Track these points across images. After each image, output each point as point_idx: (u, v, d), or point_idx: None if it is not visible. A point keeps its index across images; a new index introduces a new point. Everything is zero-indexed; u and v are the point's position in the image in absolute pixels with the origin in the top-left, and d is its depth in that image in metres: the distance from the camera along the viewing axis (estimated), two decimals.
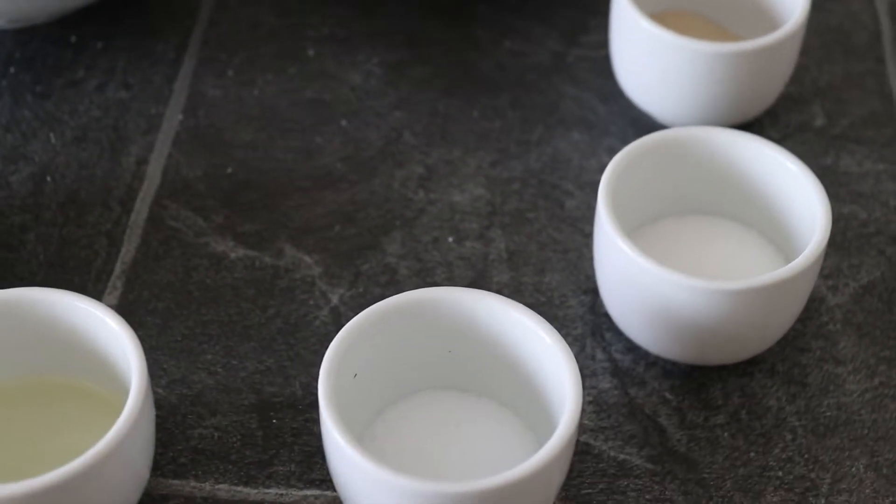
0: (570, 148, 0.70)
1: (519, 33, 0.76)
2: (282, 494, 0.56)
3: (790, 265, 0.56)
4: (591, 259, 0.64)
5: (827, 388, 0.60)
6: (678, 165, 0.61)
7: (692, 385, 0.60)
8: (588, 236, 0.66)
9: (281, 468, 0.57)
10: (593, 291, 0.63)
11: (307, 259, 0.65)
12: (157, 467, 0.56)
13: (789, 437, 0.58)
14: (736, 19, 0.71)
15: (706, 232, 0.63)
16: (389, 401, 0.56)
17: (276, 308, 0.63)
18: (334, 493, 0.56)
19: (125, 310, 0.62)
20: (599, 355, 0.61)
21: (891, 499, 0.56)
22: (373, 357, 0.54)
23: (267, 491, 0.56)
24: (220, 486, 0.56)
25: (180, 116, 0.71)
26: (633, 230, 0.62)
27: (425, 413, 0.56)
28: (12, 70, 0.72)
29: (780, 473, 0.57)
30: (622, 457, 0.58)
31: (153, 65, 0.73)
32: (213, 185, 0.68)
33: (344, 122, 0.71)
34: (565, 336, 0.61)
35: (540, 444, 0.54)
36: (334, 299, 0.63)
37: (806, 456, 0.58)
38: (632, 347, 0.61)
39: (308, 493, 0.56)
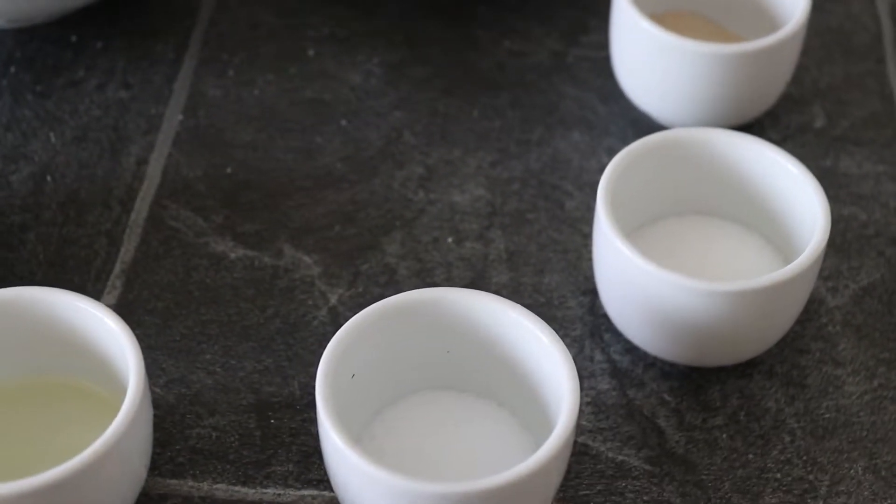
0: (569, 148, 0.70)
1: (519, 33, 0.75)
2: (279, 494, 0.56)
3: (789, 266, 0.56)
4: (590, 260, 0.64)
5: (826, 389, 0.60)
6: (678, 166, 0.61)
7: (691, 386, 0.60)
8: (587, 237, 0.66)
9: (279, 468, 0.57)
10: (592, 292, 0.63)
11: (307, 259, 0.65)
12: (155, 467, 0.56)
13: (788, 438, 0.58)
14: (736, 20, 0.71)
15: (706, 233, 0.62)
16: (387, 401, 0.56)
17: (275, 308, 0.63)
18: (332, 494, 0.56)
19: (124, 309, 0.62)
20: (598, 356, 0.61)
21: (889, 501, 0.56)
22: (371, 357, 0.54)
23: (265, 491, 0.56)
24: (218, 485, 0.56)
25: (180, 116, 0.71)
26: (633, 231, 0.62)
27: (423, 413, 0.56)
28: (12, 70, 0.72)
29: (779, 475, 0.57)
30: (620, 458, 0.58)
31: (153, 65, 0.74)
32: (213, 185, 0.68)
33: (344, 122, 0.71)
34: (564, 337, 0.61)
35: (538, 444, 0.54)
36: (333, 299, 0.63)
37: (804, 458, 0.58)
38: (630, 348, 0.61)
39: (306, 493, 0.56)
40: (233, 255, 0.65)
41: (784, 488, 0.57)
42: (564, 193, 0.68)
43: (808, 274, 0.57)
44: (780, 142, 0.69)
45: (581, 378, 0.52)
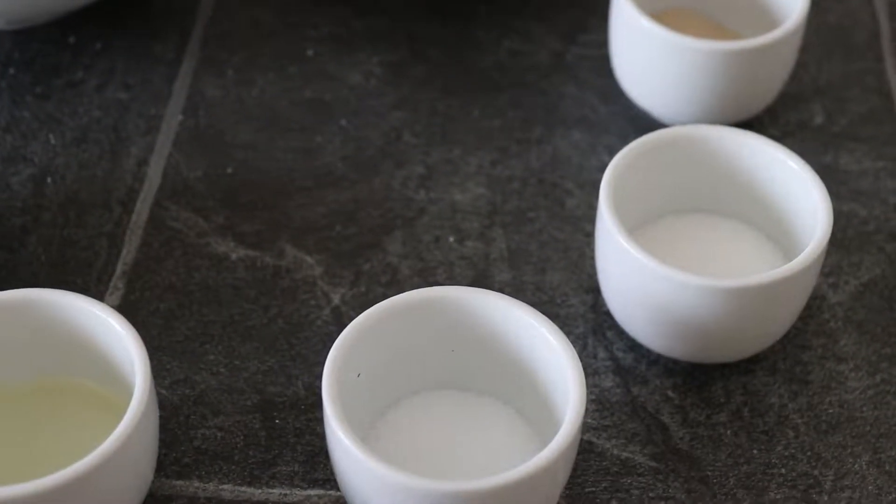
0: (569, 147, 0.70)
1: (519, 33, 0.76)
2: (285, 494, 0.56)
3: (792, 263, 0.56)
4: (592, 258, 0.64)
5: (829, 385, 0.60)
6: (679, 164, 0.61)
7: (694, 383, 0.60)
8: (589, 235, 0.66)
9: (284, 468, 0.57)
10: (595, 290, 0.63)
11: (308, 259, 0.65)
12: (161, 468, 0.56)
13: (792, 434, 0.58)
14: (735, 18, 0.71)
15: (707, 230, 0.63)
16: (392, 400, 0.56)
17: (277, 308, 0.63)
18: (338, 493, 0.56)
19: (127, 310, 0.62)
20: (601, 354, 0.61)
21: (893, 495, 0.56)
22: (376, 356, 0.54)
23: (271, 491, 0.56)
24: (224, 486, 0.56)
25: (180, 117, 0.71)
26: (635, 228, 0.62)
27: (428, 412, 0.56)
28: (11, 71, 0.72)
29: (784, 470, 0.57)
30: (625, 455, 0.58)
31: (153, 65, 0.73)
32: (214, 185, 0.68)
33: (344, 122, 0.71)
34: (567, 335, 0.61)
35: (543, 443, 0.54)
36: (336, 299, 0.63)
37: (809, 453, 0.58)
38: (634, 346, 0.61)
39: (312, 492, 0.56)
40: (234, 256, 0.65)
41: (789, 483, 0.57)
42: (565, 192, 0.68)
43: (810, 270, 0.57)
44: (780, 138, 0.70)
45: (585, 375, 0.52)
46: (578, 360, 0.52)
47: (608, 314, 0.62)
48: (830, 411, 0.59)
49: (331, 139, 0.70)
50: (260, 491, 0.56)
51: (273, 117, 0.71)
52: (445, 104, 0.72)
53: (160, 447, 0.56)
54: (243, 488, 0.56)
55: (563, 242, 0.66)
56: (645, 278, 0.57)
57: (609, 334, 0.62)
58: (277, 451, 0.57)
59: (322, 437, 0.58)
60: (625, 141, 0.69)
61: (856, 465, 0.57)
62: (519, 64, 0.74)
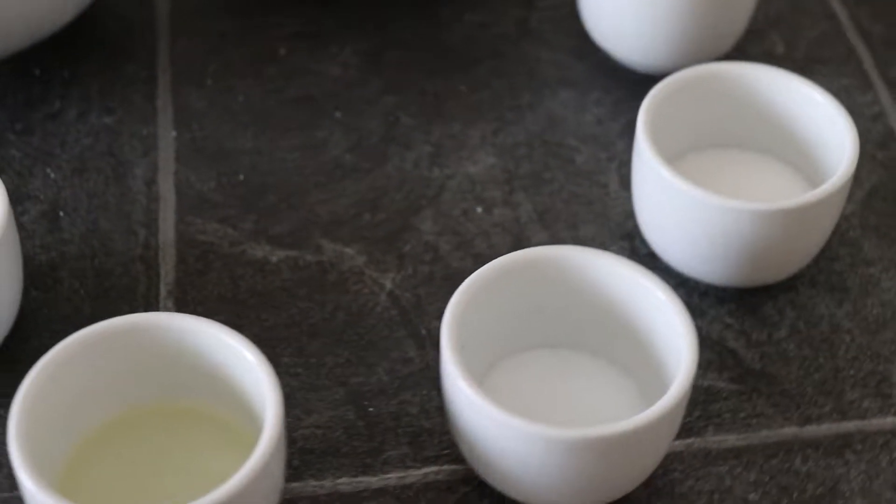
0: (561, 107, 0.72)
1: (480, 5, 0.77)
2: (402, 476, 0.57)
3: (825, 185, 0.59)
4: (616, 207, 0.67)
5: (866, 288, 0.64)
6: (711, 100, 0.64)
7: (747, 306, 0.63)
8: (605, 186, 0.68)
9: (393, 452, 0.58)
10: (629, 236, 0.66)
11: (348, 251, 0.65)
12: None
13: (848, 338, 0.62)
14: None
15: (738, 163, 0.66)
16: (500, 356, 0.57)
17: (333, 302, 0.63)
18: (452, 467, 0.57)
19: None
20: None
21: None
22: (488, 313, 0.55)
23: (387, 476, 0.57)
24: (340, 480, 0.57)
25: (174, 133, 0.70)
26: (669, 162, 0.64)
27: (534, 369, 0.57)
28: None
29: (852, 372, 0.61)
30: (707, 384, 0.60)
31: (128, 85, 0.72)
32: (230, 193, 0.67)
33: (338, 115, 0.71)
34: None
35: (644, 397, 0.56)
36: (388, 284, 0.64)
37: (868, 353, 0.62)
38: (681, 282, 0.64)
39: (427, 470, 0.57)
40: (274, 259, 0.65)
41: (861, 383, 0.60)
42: (571, 149, 0.70)
43: (841, 193, 0.60)
44: None
45: None
46: (689, 315, 0.53)
47: (649, 256, 0.65)
48: (875, 311, 0.63)
49: (331, 132, 0.71)
50: (376, 478, 0.57)
51: (267, 119, 0.71)
52: (431, 83, 0.73)
53: None
54: (359, 479, 0.57)
55: (584, 196, 0.68)
56: (687, 206, 0.59)
57: (655, 274, 0.64)
58: (381, 438, 0.58)
59: (419, 417, 0.59)
60: (609, 93, 0.72)
61: None
62: (487, 35, 0.76)
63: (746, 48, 0.75)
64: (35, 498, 0.48)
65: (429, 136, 0.70)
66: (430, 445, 0.58)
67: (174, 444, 0.53)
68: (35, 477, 0.47)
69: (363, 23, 0.76)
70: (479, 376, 0.56)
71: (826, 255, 0.65)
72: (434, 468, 0.57)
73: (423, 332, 0.62)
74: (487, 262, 0.62)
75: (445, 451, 0.58)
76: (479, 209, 0.67)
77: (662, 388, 0.54)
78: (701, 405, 0.60)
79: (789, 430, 0.59)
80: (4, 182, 0.67)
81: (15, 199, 0.66)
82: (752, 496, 0.57)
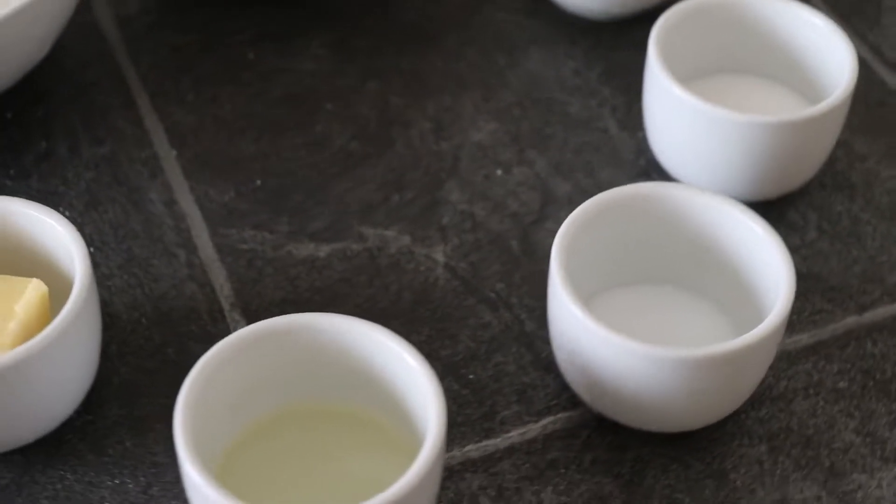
0: (537, 63, 0.74)
1: None
2: (524, 432, 0.58)
3: (831, 97, 0.63)
4: (623, 148, 0.69)
5: (868, 182, 0.69)
6: (716, 27, 0.67)
7: (773, 216, 0.67)
8: (605, 131, 0.71)
9: (506, 412, 0.59)
10: (643, 174, 0.69)
11: (389, 233, 0.66)
12: None
13: (870, 228, 0.67)
14: None
15: (744, 88, 0.69)
16: (601, 289, 0.60)
17: (395, 284, 0.64)
18: (567, 414, 0.59)
19: None
20: None
21: None
22: (590, 247, 0.57)
23: (509, 435, 0.58)
24: (468, 447, 0.58)
25: (174, 152, 0.69)
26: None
27: (634, 302, 0.60)
28: None
29: (885, 257, 0.66)
30: None
31: (108, 113, 0.71)
32: (253, 200, 0.67)
33: (329, 106, 0.72)
34: None
35: (737, 329, 0.59)
36: (440, 258, 0.65)
37: (891, 237, 0.66)
38: None
39: (544, 421, 0.59)
40: (322, 254, 0.65)
41: None
42: (562, 103, 0.72)
43: (844, 104, 0.64)
44: None
45: None
46: (785, 247, 0.56)
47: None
48: (884, 200, 0.68)
49: (329, 125, 0.71)
50: (500, 439, 0.58)
51: (260, 123, 0.71)
52: (407, 62, 0.74)
53: None
54: (485, 443, 0.58)
55: (590, 144, 0.70)
56: (707, 123, 0.62)
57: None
58: (490, 401, 0.59)
59: (517, 375, 0.60)
60: (575, 44, 0.75)
61: None
62: (441, 9, 0.77)
63: None
64: (200, 490, 0.47)
65: (423, 111, 0.72)
66: (538, 399, 0.60)
67: (328, 445, 0.54)
68: (199, 470, 0.47)
69: (321, 15, 0.76)
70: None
71: (821, 180, 0.70)
72: (550, 418, 0.59)
73: (492, 295, 0.63)
74: (524, 220, 0.65)
75: (554, 402, 0.59)
76: (499, 172, 0.69)
77: (755, 323, 0.56)
78: None
79: (851, 320, 0.63)
80: None
81: None
82: (841, 384, 0.61)
